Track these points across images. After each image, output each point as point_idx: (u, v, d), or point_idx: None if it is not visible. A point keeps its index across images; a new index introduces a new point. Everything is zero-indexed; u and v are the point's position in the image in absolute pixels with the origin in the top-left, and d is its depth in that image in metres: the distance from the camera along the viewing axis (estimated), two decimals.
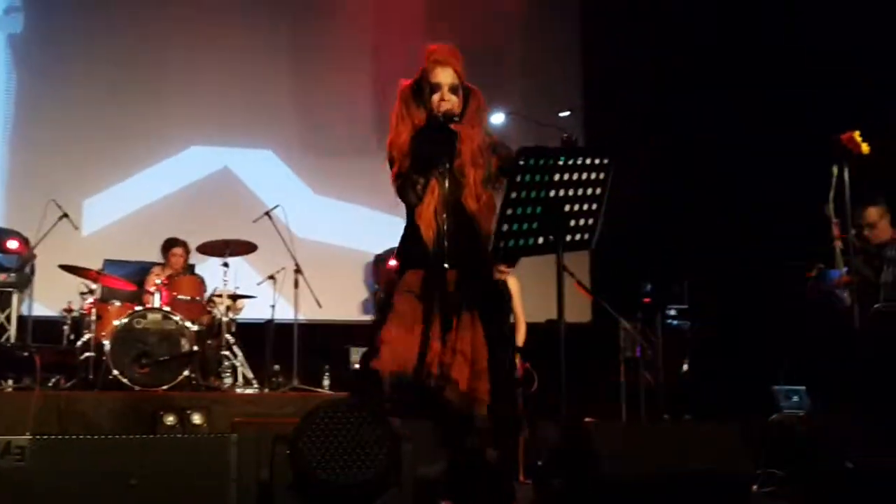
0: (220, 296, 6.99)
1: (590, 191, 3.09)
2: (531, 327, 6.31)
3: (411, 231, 3.32)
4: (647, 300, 8.02)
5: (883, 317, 5.48)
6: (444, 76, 3.35)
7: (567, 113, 3.61)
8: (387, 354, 3.14)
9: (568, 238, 3.09)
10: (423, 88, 3.37)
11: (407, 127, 3.32)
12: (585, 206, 3.09)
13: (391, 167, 3.36)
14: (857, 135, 4.58)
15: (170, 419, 5.26)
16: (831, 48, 7.03)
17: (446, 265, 3.14)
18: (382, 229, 8.28)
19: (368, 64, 9.02)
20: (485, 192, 3.31)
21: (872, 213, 5.74)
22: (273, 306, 7.44)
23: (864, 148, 4.56)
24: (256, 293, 7.45)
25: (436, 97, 3.33)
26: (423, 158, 3.23)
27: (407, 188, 3.29)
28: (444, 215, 3.18)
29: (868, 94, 6.58)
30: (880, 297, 5.58)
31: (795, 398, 6.44)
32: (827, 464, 4.06)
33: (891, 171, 5.16)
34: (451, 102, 3.32)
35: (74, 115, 8.38)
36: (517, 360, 5.79)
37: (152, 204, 8.43)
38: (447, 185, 3.23)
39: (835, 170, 4.67)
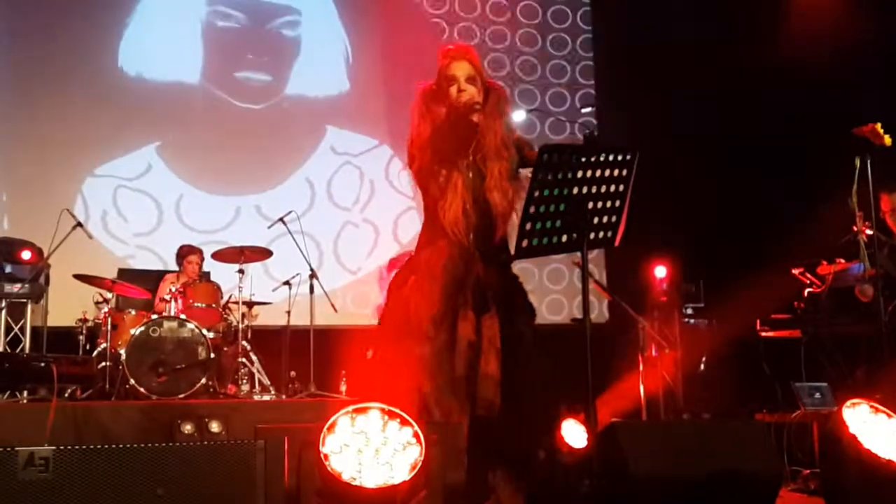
0: (235, 303, 6.96)
1: (613, 187, 3.03)
2: (549, 328, 6.27)
3: (432, 229, 3.26)
4: (663, 299, 7.98)
5: None
6: (459, 69, 3.31)
7: (589, 109, 3.54)
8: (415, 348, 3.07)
9: (591, 236, 3.03)
10: (441, 86, 3.33)
11: (427, 125, 3.27)
12: (609, 203, 3.04)
13: (411, 165, 3.31)
14: (878, 126, 4.53)
15: (187, 428, 5.16)
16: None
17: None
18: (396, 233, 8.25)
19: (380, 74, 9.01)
20: (510, 186, 3.24)
21: (891, 199, 5.70)
22: (289, 312, 7.40)
23: (887, 140, 4.51)
24: (272, 299, 7.42)
25: (453, 89, 3.28)
26: (444, 150, 3.18)
27: (429, 180, 3.23)
28: (471, 210, 3.13)
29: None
30: None
31: (818, 395, 6.37)
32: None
33: None
34: (469, 92, 3.26)
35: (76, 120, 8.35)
36: None
37: (168, 211, 8.41)
38: (470, 178, 3.18)
39: (857, 162, 4.62)
